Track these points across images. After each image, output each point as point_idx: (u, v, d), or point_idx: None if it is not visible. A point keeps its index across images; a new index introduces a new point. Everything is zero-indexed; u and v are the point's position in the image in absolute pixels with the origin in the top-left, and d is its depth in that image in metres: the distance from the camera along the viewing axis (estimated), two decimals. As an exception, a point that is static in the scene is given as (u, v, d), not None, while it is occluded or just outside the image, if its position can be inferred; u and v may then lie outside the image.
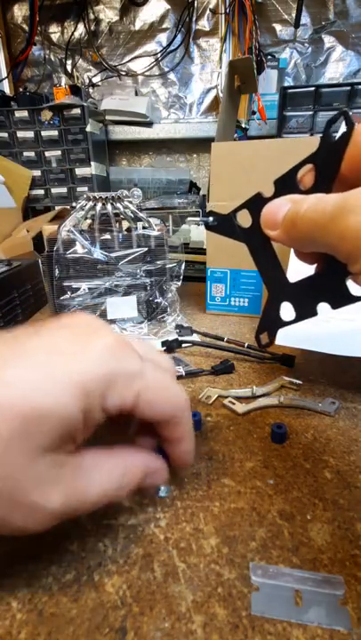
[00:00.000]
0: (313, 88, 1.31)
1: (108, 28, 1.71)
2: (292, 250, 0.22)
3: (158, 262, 0.53)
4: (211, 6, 1.60)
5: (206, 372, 0.41)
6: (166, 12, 1.66)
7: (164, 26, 1.68)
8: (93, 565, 0.20)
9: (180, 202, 1.26)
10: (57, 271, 0.50)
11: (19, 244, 0.85)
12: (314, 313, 0.21)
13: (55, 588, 0.19)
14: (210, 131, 1.58)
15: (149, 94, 1.73)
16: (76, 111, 1.44)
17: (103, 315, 0.51)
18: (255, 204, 0.23)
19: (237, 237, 0.25)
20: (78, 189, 1.54)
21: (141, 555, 0.21)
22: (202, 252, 0.81)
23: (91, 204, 0.52)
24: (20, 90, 1.67)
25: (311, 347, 0.37)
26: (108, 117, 1.58)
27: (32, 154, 1.51)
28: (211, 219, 0.27)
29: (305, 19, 1.51)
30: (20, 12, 1.74)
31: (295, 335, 0.37)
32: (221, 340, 0.46)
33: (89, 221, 0.52)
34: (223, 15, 1.53)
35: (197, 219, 1.03)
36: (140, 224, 0.53)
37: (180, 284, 0.55)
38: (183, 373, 0.40)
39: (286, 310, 0.23)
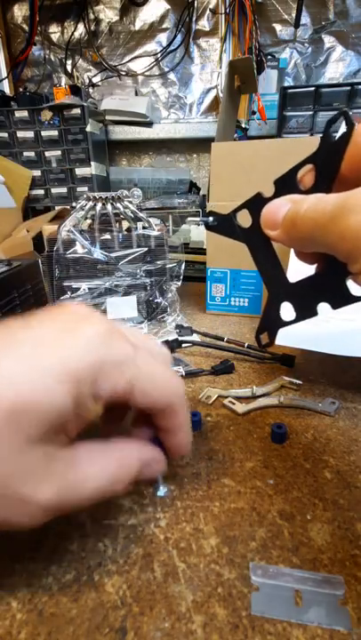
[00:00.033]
0: (313, 88, 1.31)
1: (108, 28, 1.71)
2: (292, 250, 0.22)
3: (158, 262, 0.53)
4: (211, 6, 1.60)
5: (206, 372, 0.41)
6: (166, 12, 1.66)
7: (164, 26, 1.68)
8: (93, 565, 0.20)
9: (180, 202, 1.26)
10: (57, 271, 0.50)
11: (19, 243, 0.85)
12: (314, 313, 0.21)
13: (55, 588, 0.19)
14: (210, 131, 1.58)
15: (149, 94, 1.73)
16: (76, 111, 1.44)
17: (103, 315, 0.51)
18: (255, 204, 0.23)
19: (237, 237, 0.25)
20: (78, 189, 1.54)
21: (141, 555, 0.21)
22: (202, 252, 0.81)
23: (91, 204, 0.52)
24: (20, 90, 1.67)
25: (311, 347, 0.37)
26: (108, 117, 1.58)
27: (32, 154, 1.50)
28: (211, 219, 0.27)
29: (305, 19, 1.51)
30: (20, 12, 1.74)
31: (295, 335, 0.37)
32: (221, 339, 0.46)
33: (89, 221, 0.52)
34: (223, 15, 1.53)
35: (197, 219, 1.03)
36: (140, 224, 0.52)
37: (180, 283, 0.55)
38: (183, 373, 0.40)
39: (286, 310, 0.23)
